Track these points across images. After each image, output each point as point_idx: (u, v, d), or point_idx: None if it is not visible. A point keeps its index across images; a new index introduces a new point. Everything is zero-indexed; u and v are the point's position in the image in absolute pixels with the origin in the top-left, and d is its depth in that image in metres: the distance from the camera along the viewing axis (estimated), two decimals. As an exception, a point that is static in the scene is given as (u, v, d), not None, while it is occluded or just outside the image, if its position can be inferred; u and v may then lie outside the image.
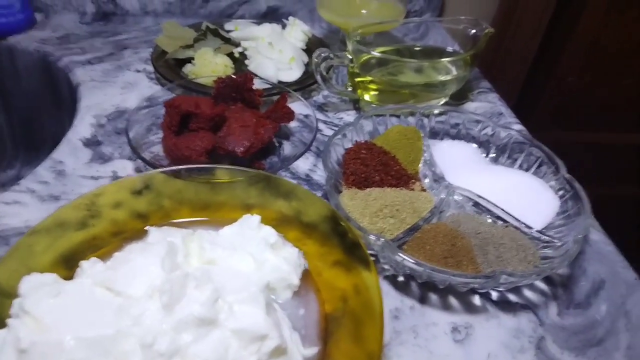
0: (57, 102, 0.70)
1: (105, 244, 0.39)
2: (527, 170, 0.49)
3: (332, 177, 0.42)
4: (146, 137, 0.51)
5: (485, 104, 0.63)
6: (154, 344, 0.27)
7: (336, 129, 0.52)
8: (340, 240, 0.37)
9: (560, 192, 0.45)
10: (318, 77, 0.55)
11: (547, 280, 0.41)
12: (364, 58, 0.58)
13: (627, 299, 0.39)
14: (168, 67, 0.62)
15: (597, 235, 0.45)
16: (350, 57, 0.56)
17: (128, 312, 0.29)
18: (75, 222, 0.39)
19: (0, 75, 0.73)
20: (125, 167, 0.49)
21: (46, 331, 0.27)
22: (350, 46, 0.55)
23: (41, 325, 0.28)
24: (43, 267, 0.35)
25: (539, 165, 0.49)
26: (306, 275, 0.38)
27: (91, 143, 0.52)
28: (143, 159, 0.45)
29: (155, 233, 0.37)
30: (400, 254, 0.36)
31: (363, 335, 0.32)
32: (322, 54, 0.54)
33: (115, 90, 0.61)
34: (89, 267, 0.33)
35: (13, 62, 0.71)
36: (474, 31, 0.61)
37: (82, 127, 0.54)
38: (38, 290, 0.30)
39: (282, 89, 0.56)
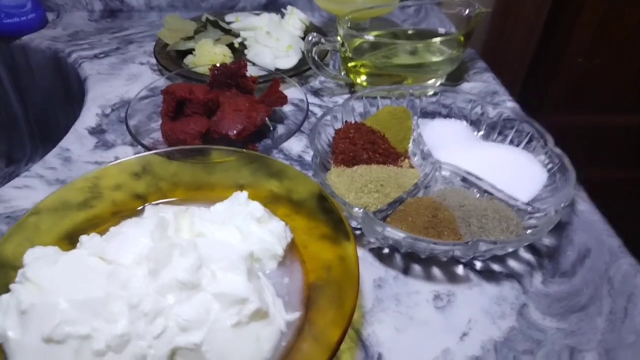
0: (69, 96, 0.73)
1: (105, 222, 0.42)
2: (517, 145, 0.49)
3: (318, 155, 0.44)
4: (147, 125, 0.54)
5: (480, 84, 0.64)
6: (139, 305, 0.29)
7: (329, 111, 0.54)
8: (327, 215, 0.39)
9: (549, 166, 0.46)
10: (310, 62, 0.57)
11: (534, 250, 0.41)
12: (357, 42, 0.59)
13: (610, 265, 0.39)
14: (169, 59, 0.65)
15: (584, 206, 0.45)
16: (341, 41, 0.57)
17: (117, 278, 0.31)
18: (79, 203, 0.42)
19: (16, 73, 0.77)
20: (126, 153, 0.51)
21: (44, 294, 0.30)
22: (340, 31, 0.56)
23: (40, 289, 0.30)
24: (48, 243, 0.37)
25: (529, 141, 0.49)
26: (292, 248, 0.39)
27: (96, 131, 0.54)
28: (140, 143, 0.47)
29: (149, 209, 0.40)
30: (380, 224, 0.37)
31: (343, 301, 0.33)
32: (313, 39, 0.55)
33: (120, 82, 0.63)
34: (87, 240, 0.35)
35: (27, 60, 0.75)
36: (467, 12, 0.61)
37: (88, 117, 0.57)
38: (39, 260, 0.33)
39: (276, 75, 0.58)
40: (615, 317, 0.36)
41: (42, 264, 0.32)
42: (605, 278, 0.39)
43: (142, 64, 0.68)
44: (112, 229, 0.36)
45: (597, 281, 0.38)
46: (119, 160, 0.43)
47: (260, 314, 0.32)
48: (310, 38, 0.55)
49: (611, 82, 1.01)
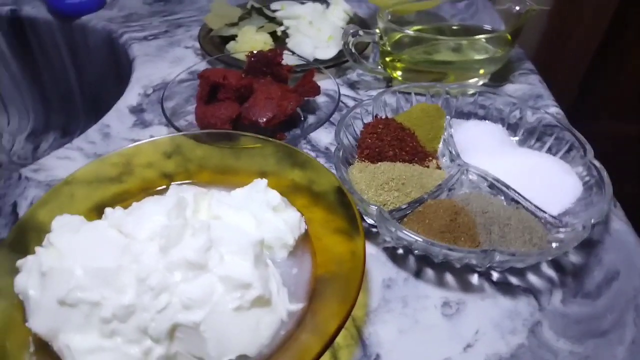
0: (120, 75, 0.77)
1: (133, 197, 0.44)
2: (555, 154, 0.47)
3: (341, 148, 0.44)
4: (184, 107, 0.55)
5: (525, 86, 0.60)
6: (147, 279, 0.30)
7: (362, 105, 0.53)
8: (344, 210, 0.39)
9: (586, 178, 0.43)
10: (347, 53, 0.56)
11: (557, 266, 0.39)
12: (397, 36, 0.58)
13: (640, 291, 0.37)
14: (212, 44, 0.66)
15: (620, 225, 0.42)
16: (380, 34, 0.56)
17: (130, 251, 0.32)
18: (112, 177, 0.44)
19: (75, 51, 0.82)
20: (161, 133, 0.53)
21: (62, 259, 0.32)
22: (380, 24, 0.55)
23: (60, 254, 0.32)
24: (79, 212, 0.39)
25: (569, 150, 0.46)
26: (305, 239, 0.39)
27: (136, 110, 0.57)
28: (172, 124, 0.49)
29: (173, 189, 0.41)
30: (393, 224, 0.36)
31: (348, 296, 0.33)
32: (351, 30, 0.54)
33: (165, 64, 0.66)
34: (111, 213, 0.37)
35: (85, 40, 0.79)
36: (517, 9, 0.58)
37: (131, 96, 0.59)
38: (64, 227, 0.35)
39: (313, 65, 0.58)
40: (638, 349, 0.33)
41: (65, 230, 0.34)
42: (633, 304, 0.36)
43: (187, 47, 0.70)
44: (134, 204, 0.38)
45: (623, 306, 0.36)
46: (150, 139, 0.45)
47: (262, 301, 0.32)
48: (348, 28, 0.55)
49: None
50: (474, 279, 0.38)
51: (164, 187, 0.44)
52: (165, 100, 0.53)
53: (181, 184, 0.44)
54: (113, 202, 0.42)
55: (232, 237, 0.35)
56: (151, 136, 0.53)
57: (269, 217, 0.38)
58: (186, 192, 0.40)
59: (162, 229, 0.33)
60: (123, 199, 0.43)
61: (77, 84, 0.86)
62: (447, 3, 0.73)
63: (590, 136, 0.45)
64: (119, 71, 0.76)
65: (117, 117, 0.56)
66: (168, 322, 0.30)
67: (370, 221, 0.42)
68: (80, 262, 0.31)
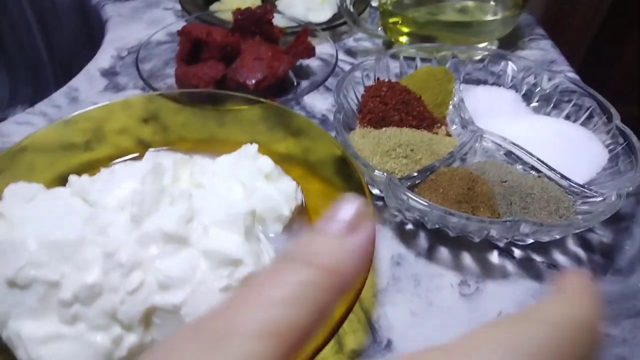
0: (92, 40, 0.70)
1: (104, 166, 0.38)
2: (574, 121, 0.43)
3: (341, 111, 0.39)
4: (163, 70, 0.50)
5: (537, 52, 0.56)
6: (115, 254, 0.25)
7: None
8: (346, 180, 0.34)
9: (612, 146, 0.39)
10: (345, 14, 0.51)
11: (584, 242, 0.35)
12: (399, -5, 0.53)
13: (680, 267, 0.33)
14: (195, 5, 0.60)
15: (651, 195, 0.38)
16: (381, -10, 0.51)
17: (96, 221, 0.27)
18: (79, 144, 0.39)
19: (41, 15, 0.75)
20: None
21: (13, 231, 0.26)
22: (381, -21, 0.50)
23: (10, 225, 0.27)
24: (41, 182, 0.34)
25: (590, 117, 0.42)
26: (302, 212, 0.35)
27: (108, 73, 0.51)
28: (150, 86, 0.43)
29: (149, 154, 0.36)
30: (405, 192, 0.32)
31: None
32: (350, -14, 0.49)
33: (141, 27, 0.59)
34: (75, 180, 0.32)
35: (53, 2, 0.72)
36: (529, -33, 0.53)
37: (103, 58, 0.53)
38: (18, 195, 0.29)
39: (307, 26, 0.52)
40: (681, 329, 0.30)
41: (19, 199, 0.29)
42: (672, 281, 0.32)
43: (166, 9, 0.64)
44: (103, 169, 0.33)
45: (661, 284, 0.32)
46: (123, 99, 0.40)
47: (254, 280, 0.27)
48: (346, -15, 0.49)
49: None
50: (494, 257, 0.34)
51: (141, 154, 0.39)
52: (141, 62, 0.47)
53: (159, 150, 0.39)
54: (80, 171, 0.37)
55: (218, 207, 0.30)
56: (125, 100, 0.47)
57: (260, 186, 0.33)
58: (165, 159, 0.34)
59: (134, 195, 0.28)
60: (92, 169, 0.38)
61: (46, 51, 0.79)
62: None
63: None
64: (91, 35, 0.70)
65: (87, 80, 0.50)
66: (142, 305, 0.25)
67: (374, 192, 0.37)
68: (35, 234, 0.26)
